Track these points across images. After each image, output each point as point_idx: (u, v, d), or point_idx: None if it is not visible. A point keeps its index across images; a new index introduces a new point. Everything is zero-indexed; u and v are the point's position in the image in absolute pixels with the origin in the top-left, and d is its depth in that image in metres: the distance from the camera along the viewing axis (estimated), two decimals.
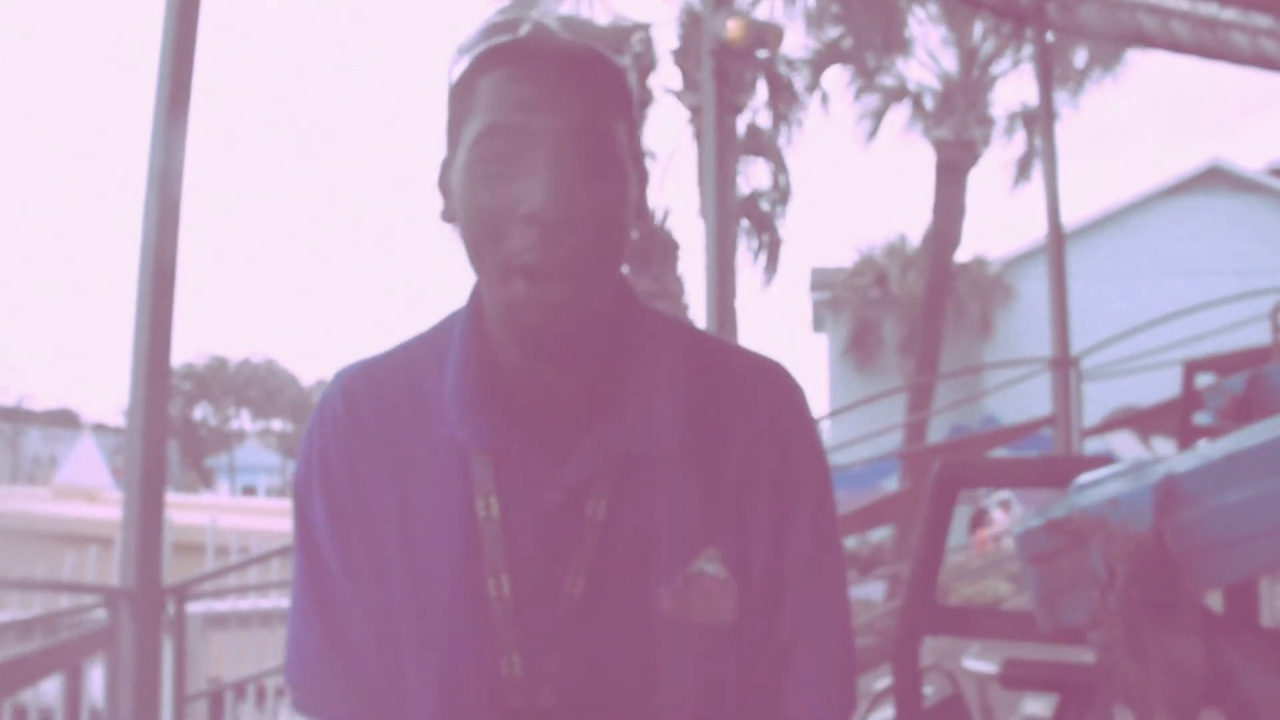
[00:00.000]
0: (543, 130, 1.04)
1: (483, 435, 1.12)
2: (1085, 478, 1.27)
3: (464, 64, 1.10)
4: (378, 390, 1.19)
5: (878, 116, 16.39)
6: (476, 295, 1.18)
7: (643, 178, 1.15)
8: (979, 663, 2.65)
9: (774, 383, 1.19)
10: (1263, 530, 1.05)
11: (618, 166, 1.08)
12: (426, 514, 1.14)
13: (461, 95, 1.09)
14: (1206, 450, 1.16)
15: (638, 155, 1.14)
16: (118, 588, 3.65)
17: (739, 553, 1.14)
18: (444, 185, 1.14)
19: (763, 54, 5.88)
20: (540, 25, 1.08)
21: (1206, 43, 7.90)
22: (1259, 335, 7.55)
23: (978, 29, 15.47)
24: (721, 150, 5.49)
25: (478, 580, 1.11)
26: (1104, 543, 1.10)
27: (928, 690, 2.36)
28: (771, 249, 15.23)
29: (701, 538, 1.13)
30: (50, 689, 6.40)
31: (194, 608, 6.88)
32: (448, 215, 1.14)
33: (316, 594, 1.19)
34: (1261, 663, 1.19)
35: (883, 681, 2.56)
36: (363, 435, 1.17)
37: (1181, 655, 1.06)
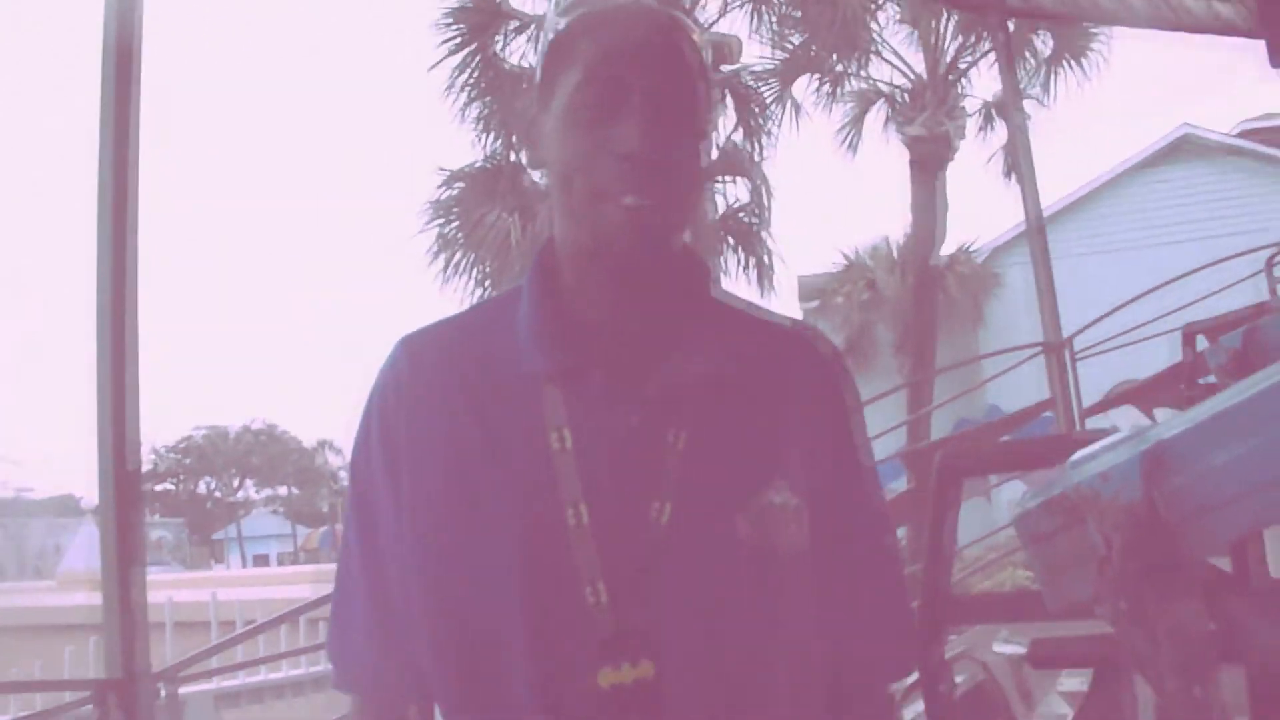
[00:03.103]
0: (639, 81, 1.17)
1: (557, 358, 1.21)
2: (1079, 454, 1.28)
3: (563, 24, 1.22)
4: (444, 346, 1.29)
5: (856, 123, 16.42)
6: (547, 245, 1.29)
7: (711, 137, 1.28)
8: (1008, 646, 2.64)
9: (819, 339, 1.34)
10: (1250, 488, 1.06)
11: (698, 119, 1.22)
12: (500, 453, 1.21)
13: (559, 52, 1.22)
14: (1191, 414, 1.17)
15: (710, 116, 1.26)
16: (103, 680, 3.58)
17: (807, 482, 1.23)
18: (532, 135, 1.27)
19: (726, 69, 5.89)
20: None
21: (1163, 14, 7.94)
22: (1249, 296, 7.57)
23: (942, 24, 15.54)
24: None
25: (556, 511, 1.17)
26: (1098, 517, 1.11)
27: (960, 678, 2.37)
28: (759, 262, 15.25)
29: (770, 468, 1.22)
30: None
31: (202, 687, 6.86)
32: (534, 162, 1.28)
33: (369, 568, 1.27)
34: (1273, 616, 1.20)
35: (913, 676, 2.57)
36: (427, 389, 1.25)
37: (1184, 619, 1.07)
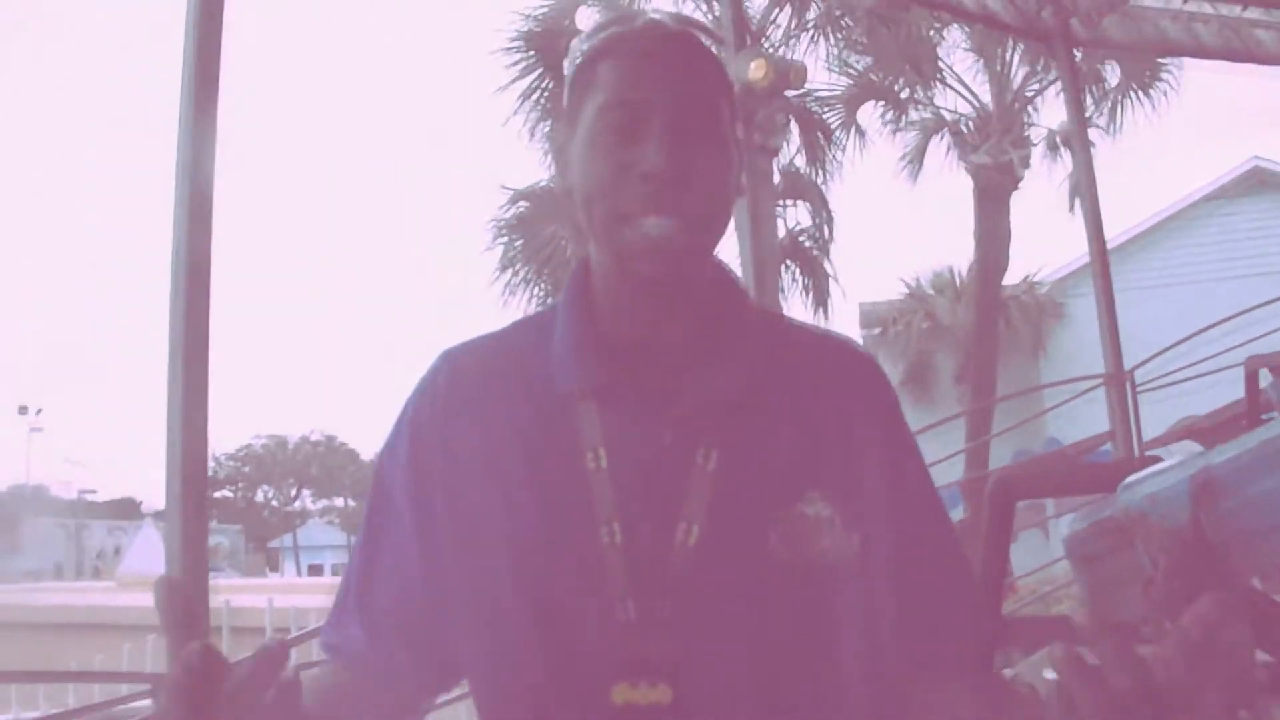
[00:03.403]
0: (659, 102, 1.17)
1: (591, 377, 1.22)
2: (1131, 478, 1.29)
3: (585, 51, 1.24)
4: (484, 362, 1.30)
5: (919, 152, 16.35)
6: (582, 265, 1.30)
7: (741, 152, 1.27)
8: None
9: (853, 348, 1.34)
10: None
11: (722, 137, 1.21)
12: (536, 471, 1.21)
13: (582, 79, 1.23)
14: (1243, 440, 1.18)
15: (736, 133, 1.26)
16: (163, 674, 3.63)
17: (843, 495, 1.20)
18: (560, 162, 1.28)
19: (790, 94, 5.91)
20: (653, 18, 1.24)
21: (1233, 45, 7.87)
22: None
23: (1008, 52, 15.46)
24: (755, 193, 5.53)
25: (590, 529, 1.17)
26: (1146, 538, 1.12)
27: None
28: (818, 287, 15.25)
29: (804, 480, 1.20)
30: None
31: None
32: (564, 188, 1.27)
33: (363, 579, 1.29)
34: None
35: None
36: (465, 403, 1.26)
37: (1230, 639, 1.07)
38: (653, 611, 1.16)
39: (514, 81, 13.90)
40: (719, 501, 1.18)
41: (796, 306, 15.02)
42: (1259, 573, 1.13)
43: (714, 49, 1.26)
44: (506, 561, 1.20)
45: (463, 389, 1.27)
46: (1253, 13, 7.84)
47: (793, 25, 14.13)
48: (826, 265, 15.29)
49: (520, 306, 14.35)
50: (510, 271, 14.60)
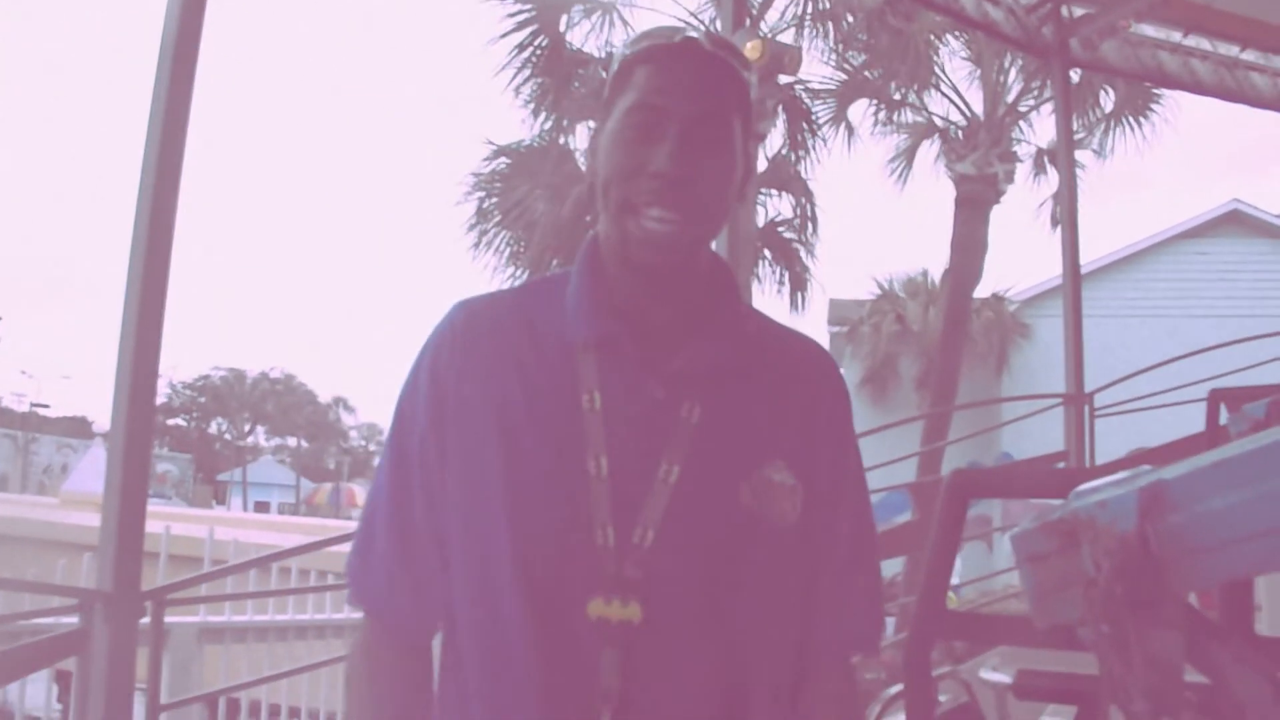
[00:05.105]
0: (678, 111, 1.35)
1: (597, 328, 1.39)
2: (1084, 485, 1.32)
3: (626, 55, 1.41)
4: (497, 312, 1.45)
5: (908, 155, 16.34)
6: (592, 240, 1.47)
7: (748, 164, 1.45)
8: (996, 674, 2.67)
9: (819, 347, 1.54)
10: (1243, 535, 1.09)
11: (729, 148, 1.39)
12: (537, 407, 1.37)
13: (620, 79, 1.41)
14: (1195, 459, 1.20)
15: (747, 146, 1.43)
16: (93, 590, 3.59)
17: (804, 467, 1.40)
18: (592, 147, 1.45)
19: (783, 79, 5.90)
20: (692, 35, 1.39)
21: (1227, 84, 7.94)
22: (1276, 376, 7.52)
23: (1005, 65, 15.47)
24: None
25: (579, 460, 1.33)
26: (1092, 542, 1.15)
27: (943, 698, 2.38)
28: (794, 280, 15.24)
29: (771, 448, 1.39)
30: (21, 691, 6.40)
31: (188, 619, 6.96)
32: (590, 171, 1.45)
33: (395, 502, 1.43)
34: (1253, 667, 1.23)
35: (896, 688, 2.58)
36: (479, 344, 1.41)
37: (1161, 648, 1.10)
38: (630, 538, 1.30)
39: (511, 33, 13.66)
40: (698, 450, 1.34)
41: (769, 295, 15.03)
42: (1199, 587, 1.16)
43: (743, 73, 1.41)
44: (501, 488, 1.34)
45: (476, 335, 1.42)
46: (1250, 55, 7.91)
47: (798, 12, 14.06)
48: (804, 257, 15.27)
49: (488, 262, 14.15)
50: (482, 228, 14.41)
